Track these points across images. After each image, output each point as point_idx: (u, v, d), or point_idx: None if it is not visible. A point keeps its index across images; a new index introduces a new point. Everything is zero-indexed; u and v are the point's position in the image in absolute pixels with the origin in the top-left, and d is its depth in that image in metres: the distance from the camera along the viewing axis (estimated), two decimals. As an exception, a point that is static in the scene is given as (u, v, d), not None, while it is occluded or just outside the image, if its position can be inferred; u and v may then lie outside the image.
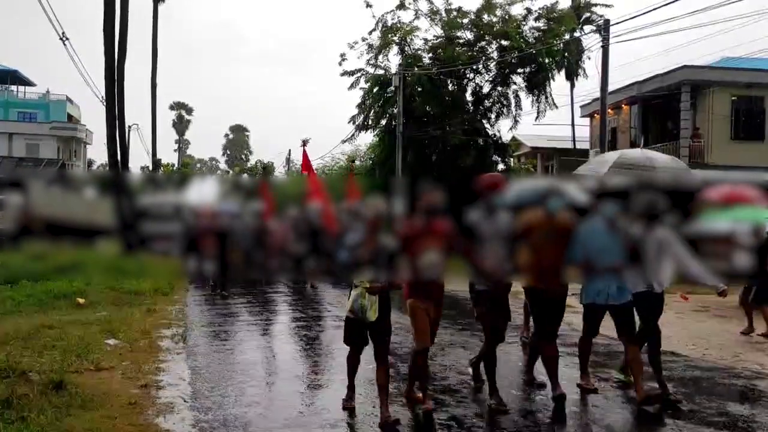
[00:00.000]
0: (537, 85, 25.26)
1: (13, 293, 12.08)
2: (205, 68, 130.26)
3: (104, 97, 21.25)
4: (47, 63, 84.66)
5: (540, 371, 6.92)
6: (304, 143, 17.47)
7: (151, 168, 39.42)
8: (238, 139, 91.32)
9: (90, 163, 53.32)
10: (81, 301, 11.74)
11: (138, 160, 56.18)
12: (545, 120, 29.86)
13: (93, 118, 72.80)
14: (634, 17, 22.05)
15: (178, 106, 77.41)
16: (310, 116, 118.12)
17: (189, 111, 78.88)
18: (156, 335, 9.12)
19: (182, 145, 79.47)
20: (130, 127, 33.43)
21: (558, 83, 29.77)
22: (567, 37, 25.14)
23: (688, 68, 21.96)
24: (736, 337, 10.01)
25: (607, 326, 10.98)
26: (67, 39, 18.13)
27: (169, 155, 72.79)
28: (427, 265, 5.49)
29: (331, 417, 5.66)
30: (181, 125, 78.41)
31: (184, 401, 6.00)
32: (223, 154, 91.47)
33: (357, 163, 32.81)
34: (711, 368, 7.84)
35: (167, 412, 5.65)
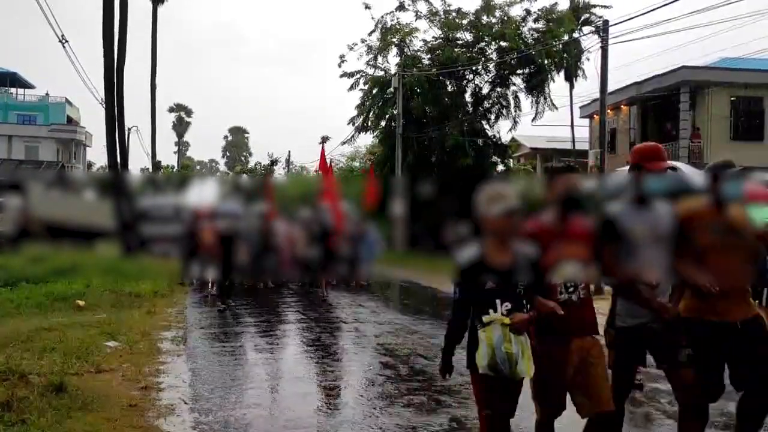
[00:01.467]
0: (536, 86, 25.28)
1: (13, 295, 12.06)
2: (204, 69, 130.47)
3: (104, 100, 21.27)
4: (46, 65, 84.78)
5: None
6: (324, 141, 17.38)
7: (150, 170, 39.44)
8: (237, 141, 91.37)
9: (90, 165, 53.35)
10: (80, 303, 11.72)
11: (138, 162, 56.28)
12: (545, 121, 29.90)
13: (92, 120, 72.99)
14: (633, 18, 22.07)
15: (177, 107, 77.46)
16: (310, 117, 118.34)
17: (188, 113, 78.95)
18: (156, 337, 9.11)
19: (182, 147, 79.49)
20: (129, 129, 33.47)
21: (557, 84, 29.86)
22: (566, 38, 25.15)
23: (687, 69, 21.96)
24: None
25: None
26: (66, 41, 18.15)
27: (168, 157, 72.76)
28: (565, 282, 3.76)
29: (333, 419, 5.66)
30: (180, 127, 78.43)
31: (185, 403, 6.00)
32: (223, 156, 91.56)
33: (357, 164, 32.78)
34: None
35: (168, 414, 5.64)
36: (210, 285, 13.38)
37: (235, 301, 12.51)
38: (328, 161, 15.67)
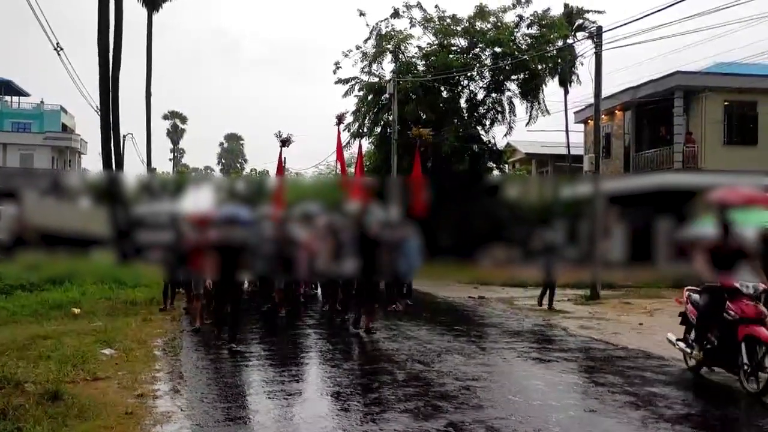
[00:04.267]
0: (530, 92, 25.37)
1: (8, 303, 12.05)
2: (198, 76, 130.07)
3: (99, 107, 21.27)
4: (42, 73, 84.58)
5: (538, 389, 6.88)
6: (340, 120, 14.39)
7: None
8: (233, 148, 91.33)
9: (85, 172, 53.22)
10: (76, 311, 11.70)
11: (133, 169, 55.96)
12: (540, 126, 30.02)
13: (88, 128, 72.67)
14: (627, 24, 22.17)
15: (172, 115, 77.39)
16: (305, 124, 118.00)
17: (183, 120, 78.86)
18: (152, 345, 9.08)
19: (177, 153, 79.37)
20: (125, 136, 33.42)
21: (552, 89, 29.99)
22: (560, 43, 25.25)
23: (680, 74, 22.06)
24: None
25: (604, 330, 11.00)
26: (61, 49, 18.13)
27: (164, 164, 72.64)
28: None
29: (329, 425, 5.65)
30: (175, 134, 78.34)
31: (181, 410, 5.98)
32: (218, 163, 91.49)
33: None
34: (707, 372, 7.84)
35: (164, 422, 5.62)
36: (201, 316, 10.48)
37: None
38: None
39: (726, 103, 22.09)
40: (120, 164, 23.03)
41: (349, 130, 27.18)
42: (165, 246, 10.12)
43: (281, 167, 11.85)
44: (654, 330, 10.93)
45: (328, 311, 12.47)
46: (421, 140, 13.94)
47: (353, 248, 9.82)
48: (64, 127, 48.97)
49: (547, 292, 13.74)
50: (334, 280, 11.64)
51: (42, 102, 48.94)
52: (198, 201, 10.04)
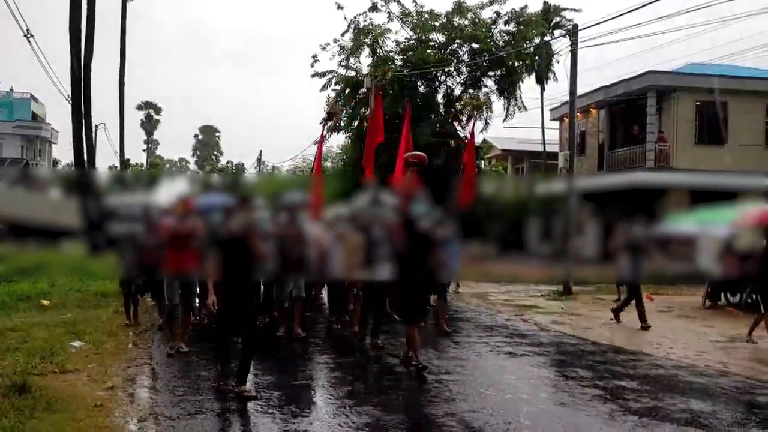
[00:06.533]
0: (507, 88, 25.52)
1: (-25, 295, 11.80)
2: (173, 67, 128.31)
3: (70, 96, 20.86)
4: (10, 60, 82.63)
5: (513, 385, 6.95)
6: (384, 74, 11.71)
7: (119, 168, 38.81)
8: (208, 140, 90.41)
9: (55, 162, 52.27)
10: (45, 302, 11.52)
11: (105, 160, 55.12)
12: (516, 122, 30.14)
13: (59, 117, 71.29)
14: (603, 22, 22.35)
15: (146, 105, 76.34)
16: (281, 116, 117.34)
17: (157, 110, 77.84)
18: (122, 337, 8.98)
19: (151, 145, 78.33)
20: (97, 126, 32.84)
21: (529, 86, 30.09)
22: (537, 40, 25.44)
23: (653, 74, 22.37)
24: (699, 336, 10.24)
25: (575, 325, 11.14)
26: (31, 36, 17.76)
27: (137, 156, 71.50)
28: None
29: (302, 419, 5.64)
30: (149, 125, 77.30)
31: (152, 403, 5.93)
32: (193, 155, 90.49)
33: (329, 164, 32.44)
34: (675, 366, 8.01)
35: (134, 414, 5.57)
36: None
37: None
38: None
39: (697, 103, 22.46)
40: (92, 154, 22.60)
41: (325, 124, 27.09)
42: (132, 244, 8.95)
43: (319, 160, 8.79)
44: (625, 326, 11.10)
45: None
46: (477, 113, 10.94)
47: (398, 248, 7.56)
48: (34, 116, 48.02)
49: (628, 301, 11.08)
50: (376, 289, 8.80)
51: (11, 90, 47.88)
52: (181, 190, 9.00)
